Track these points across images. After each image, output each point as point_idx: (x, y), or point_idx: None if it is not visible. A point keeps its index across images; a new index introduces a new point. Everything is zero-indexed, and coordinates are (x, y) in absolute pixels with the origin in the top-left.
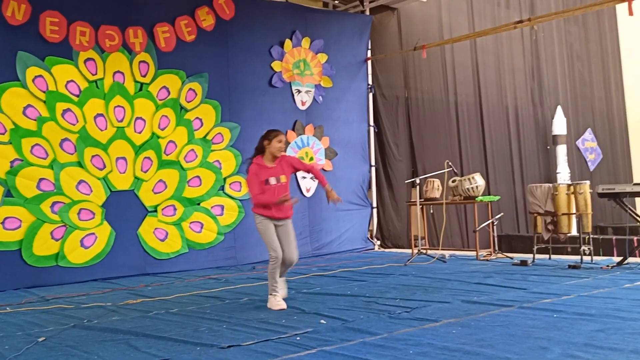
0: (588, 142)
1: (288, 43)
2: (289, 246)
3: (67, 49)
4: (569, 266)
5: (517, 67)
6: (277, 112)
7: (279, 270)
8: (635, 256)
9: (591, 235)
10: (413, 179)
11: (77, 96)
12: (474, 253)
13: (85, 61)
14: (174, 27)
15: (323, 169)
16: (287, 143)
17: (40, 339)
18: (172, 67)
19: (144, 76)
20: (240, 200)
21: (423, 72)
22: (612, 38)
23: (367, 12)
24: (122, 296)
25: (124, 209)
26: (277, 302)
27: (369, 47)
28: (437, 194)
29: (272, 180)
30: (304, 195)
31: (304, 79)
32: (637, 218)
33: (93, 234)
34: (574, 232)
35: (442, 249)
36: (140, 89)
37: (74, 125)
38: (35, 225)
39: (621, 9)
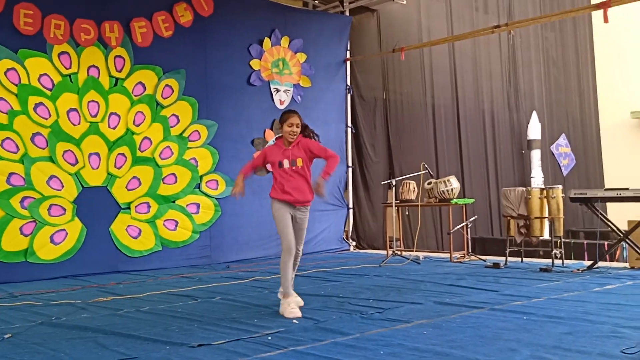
0: (562, 147)
1: (267, 41)
2: (298, 240)
3: (41, 42)
4: (541, 269)
5: (494, 72)
6: (255, 111)
7: (292, 264)
8: (605, 260)
9: (563, 239)
10: (389, 181)
11: (50, 90)
12: (448, 255)
13: (59, 55)
14: (151, 23)
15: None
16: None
17: (7, 336)
18: (149, 63)
19: (120, 71)
20: (216, 198)
21: (402, 74)
22: (587, 45)
23: (347, 13)
24: (93, 294)
25: (96, 205)
26: (290, 309)
27: (348, 48)
28: (412, 196)
29: (286, 163)
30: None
31: (283, 78)
32: (608, 223)
33: (64, 230)
34: (546, 235)
35: (416, 251)
36: (116, 84)
37: (46, 119)
38: (4, 221)
39: (597, 16)
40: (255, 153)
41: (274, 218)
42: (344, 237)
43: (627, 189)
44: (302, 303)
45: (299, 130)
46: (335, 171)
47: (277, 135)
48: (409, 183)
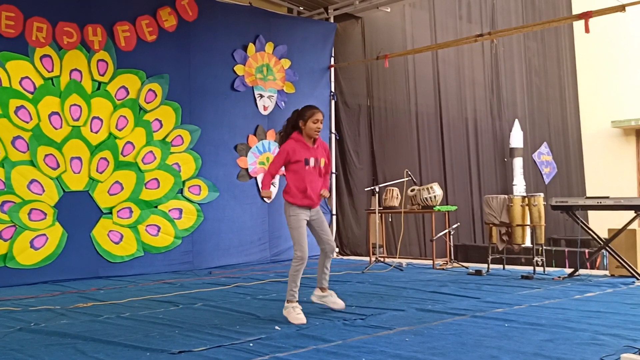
0: (544, 155)
1: (251, 47)
2: (328, 236)
3: (23, 45)
4: (522, 276)
5: (477, 80)
6: (238, 116)
7: (301, 273)
8: (586, 268)
9: (544, 247)
10: (372, 187)
11: (32, 93)
12: (430, 262)
13: (41, 58)
14: (135, 27)
15: (283, 175)
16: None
17: None
18: (132, 67)
19: (103, 75)
20: (199, 204)
21: (386, 81)
22: (569, 55)
23: (332, 20)
24: (73, 299)
25: (77, 210)
26: (296, 314)
27: (333, 55)
28: (396, 203)
29: (312, 162)
30: (264, 201)
31: (267, 83)
32: (589, 231)
33: (44, 235)
34: (528, 243)
35: (399, 257)
36: (98, 88)
37: (27, 122)
38: None
39: (578, 26)
40: (278, 153)
41: (288, 223)
42: None
43: (607, 197)
44: (343, 305)
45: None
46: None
47: (286, 128)
48: (392, 190)
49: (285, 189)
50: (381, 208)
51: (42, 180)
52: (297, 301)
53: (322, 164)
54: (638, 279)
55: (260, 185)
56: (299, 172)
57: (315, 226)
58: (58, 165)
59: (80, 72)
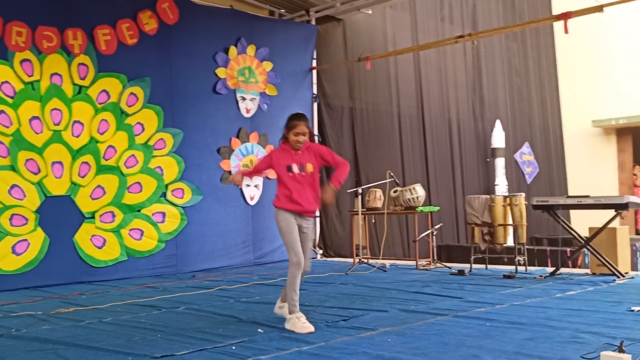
0: (526, 155)
1: (233, 50)
2: (306, 253)
3: (2, 49)
4: (504, 276)
5: (460, 81)
6: (221, 119)
7: (300, 279)
8: (567, 267)
9: (526, 246)
10: (355, 189)
11: (12, 98)
12: (414, 262)
13: (21, 62)
14: (115, 30)
15: (267, 177)
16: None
17: None
18: (113, 71)
19: (83, 79)
20: (182, 207)
21: (367, 83)
22: (550, 55)
23: (313, 22)
24: (54, 305)
25: (59, 215)
26: (302, 324)
27: (315, 57)
28: (379, 204)
29: (295, 168)
30: (248, 204)
31: (249, 86)
32: (570, 230)
33: (26, 240)
34: (510, 242)
35: (383, 258)
36: (79, 92)
37: (7, 127)
38: None
39: (558, 27)
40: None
41: (279, 229)
42: (311, 245)
43: (587, 196)
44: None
45: (306, 139)
46: (331, 152)
47: (282, 139)
48: (375, 191)
49: (274, 199)
50: (364, 209)
51: (23, 186)
52: (299, 312)
53: (310, 169)
54: (618, 277)
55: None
56: (282, 178)
57: (300, 237)
58: (39, 170)
59: (60, 76)
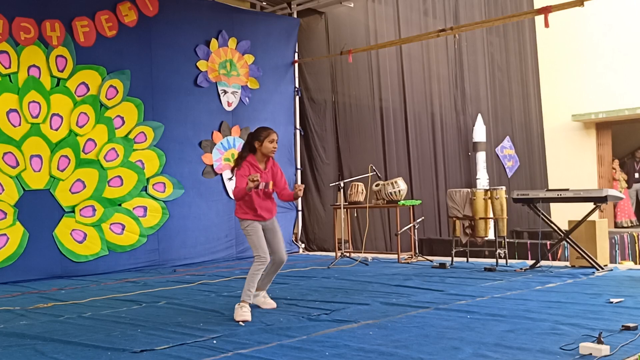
0: (507, 149)
1: (214, 42)
2: (278, 246)
3: None
4: (485, 269)
5: (442, 75)
6: (202, 113)
7: (261, 276)
8: (547, 259)
9: (507, 239)
10: (337, 183)
11: None
12: (395, 256)
13: None
14: (94, 22)
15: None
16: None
17: None
18: (92, 63)
19: (62, 71)
20: (164, 201)
21: (350, 76)
22: (531, 50)
23: (295, 15)
24: (33, 300)
25: (38, 209)
26: (242, 312)
27: (297, 50)
28: (361, 198)
29: (262, 185)
30: (230, 198)
31: (230, 79)
32: (550, 223)
33: (4, 235)
34: (491, 235)
35: (365, 252)
36: (57, 85)
37: None
38: None
39: (540, 21)
40: (239, 175)
41: (245, 234)
42: (293, 239)
43: (567, 189)
44: (274, 305)
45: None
46: (284, 176)
47: (243, 151)
48: (357, 185)
49: (236, 210)
50: (346, 203)
51: (1, 179)
52: (249, 304)
53: (270, 187)
54: (598, 270)
55: (234, 193)
56: (251, 195)
57: (267, 235)
58: (17, 164)
59: (38, 68)
